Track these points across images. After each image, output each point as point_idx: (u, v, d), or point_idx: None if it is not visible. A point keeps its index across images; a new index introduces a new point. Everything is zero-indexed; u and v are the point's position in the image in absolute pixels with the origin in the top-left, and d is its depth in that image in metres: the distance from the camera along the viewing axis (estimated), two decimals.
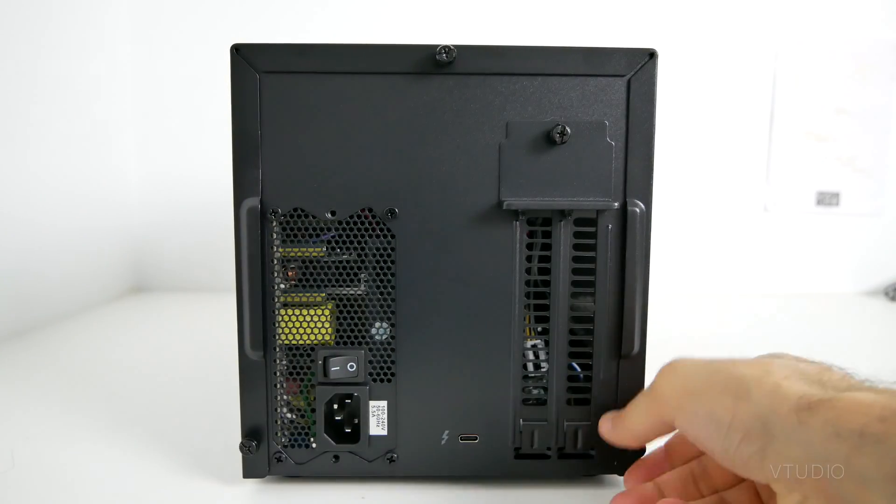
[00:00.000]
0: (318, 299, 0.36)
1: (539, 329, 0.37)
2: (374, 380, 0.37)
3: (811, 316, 0.94)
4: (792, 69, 1.07)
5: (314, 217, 0.36)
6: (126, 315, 0.89)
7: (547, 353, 0.37)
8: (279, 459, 0.37)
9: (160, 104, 1.03)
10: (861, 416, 0.22)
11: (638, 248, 0.36)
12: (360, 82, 0.35)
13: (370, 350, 0.36)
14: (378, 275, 0.36)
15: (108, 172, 0.98)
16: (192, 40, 1.01)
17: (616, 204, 0.35)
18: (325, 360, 0.36)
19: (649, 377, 0.37)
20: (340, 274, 0.36)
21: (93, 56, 0.93)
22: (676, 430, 0.32)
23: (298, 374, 0.37)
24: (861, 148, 1.09)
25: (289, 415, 0.37)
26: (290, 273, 0.36)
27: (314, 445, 0.37)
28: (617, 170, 0.35)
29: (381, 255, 0.36)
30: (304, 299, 0.36)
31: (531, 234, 0.36)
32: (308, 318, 0.36)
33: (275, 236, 0.35)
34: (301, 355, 0.37)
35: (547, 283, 0.36)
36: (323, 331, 0.36)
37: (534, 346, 0.37)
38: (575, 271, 0.36)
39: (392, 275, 0.36)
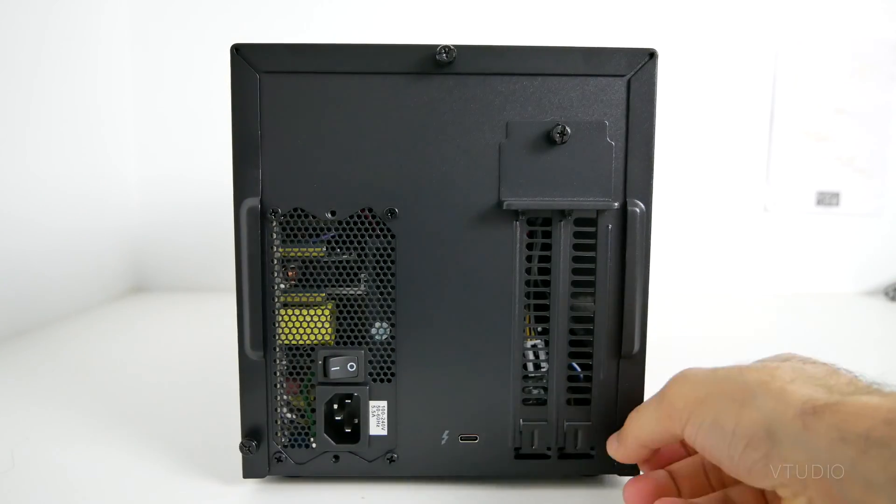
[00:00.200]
0: (318, 299, 0.36)
1: (539, 329, 0.37)
2: (374, 380, 0.37)
3: (811, 316, 0.94)
4: (792, 69, 1.07)
5: (314, 217, 0.36)
6: (126, 315, 0.89)
7: (547, 353, 0.37)
8: (279, 459, 0.37)
9: (160, 104, 1.03)
10: (867, 419, 0.22)
11: (638, 248, 0.36)
12: (360, 82, 0.35)
13: (370, 350, 0.36)
14: (378, 275, 0.36)
15: (108, 172, 0.98)
16: (193, 40, 1.01)
17: (616, 204, 0.35)
18: (325, 360, 0.36)
19: (649, 377, 0.37)
20: (340, 274, 0.36)
21: (93, 56, 0.93)
22: None
23: (298, 374, 0.37)
24: (861, 148, 1.09)
25: (289, 415, 0.37)
26: (290, 273, 0.36)
27: (314, 445, 0.37)
28: (617, 170, 0.35)
29: (381, 255, 0.36)
30: (304, 299, 0.36)
31: (531, 234, 0.36)
32: (308, 318, 0.36)
33: (275, 236, 0.35)
34: (301, 355, 0.37)
35: (547, 283, 0.36)
36: (323, 331, 0.36)
37: (534, 346, 0.37)
38: (575, 271, 0.36)
39: (392, 275, 0.36)
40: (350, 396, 0.37)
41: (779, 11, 1.06)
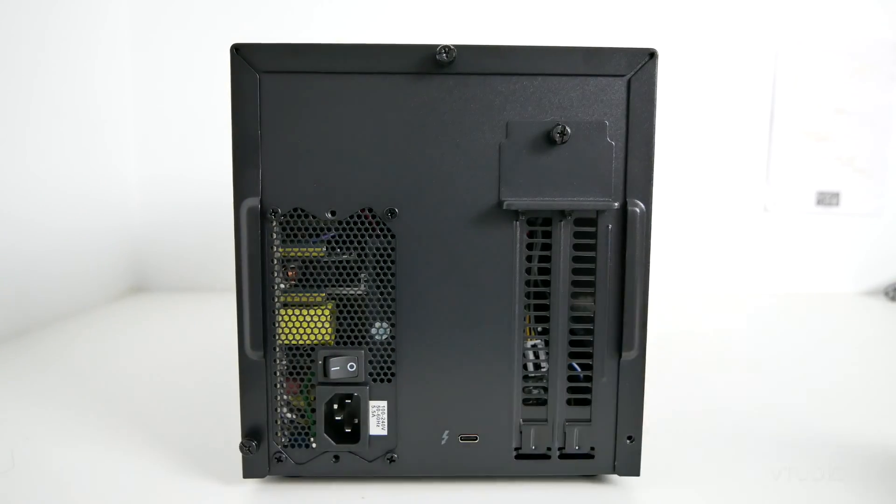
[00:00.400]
0: (318, 299, 0.36)
1: (539, 329, 0.37)
2: (374, 380, 0.37)
3: (811, 316, 0.94)
4: (792, 69, 1.07)
5: (314, 217, 0.36)
6: (126, 315, 0.89)
7: (547, 353, 0.37)
8: (279, 459, 0.37)
9: (160, 104, 1.03)
10: None
11: (638, 248, 0.36)
12: (360, 82, 0.35)
13: (370, 350, 0.36)
14: (378, 275, 0.36)
15: (108, 172, 0.98)
16: (193, 40, 1.01)
17: (616, 204, 0.35)
18: (325, 360, 0.36)
19: (649, 377, 0.37)
20: (340, 274, 0.36)
21: (93, 56, 0.93)
22: None
23: (298, 374, 0.37)
24: (861, 148, 1.09)
25: (289, 415, 0.37)
26: (290, 273, 0.36)
27: (314, 445, 0.37)
28: (617, 170, 0.35)
29: (381, 255, 0.36)
30: (304, 299, 0.36)
31: (531, 234, 0.36)
32: (308, 318, 0.36)
33: (275, 236, 0.35)
34: (301, 355, 0.37)
35: (547, 283, 0.36)
36: (323, 331, 0.36)
37: (534, 346, 0.37)
38: (575, 271, 0.36)
39: (392, 275, 0.36)
40: (350, 396, 0.37)
41: (778, 11, 1.06)
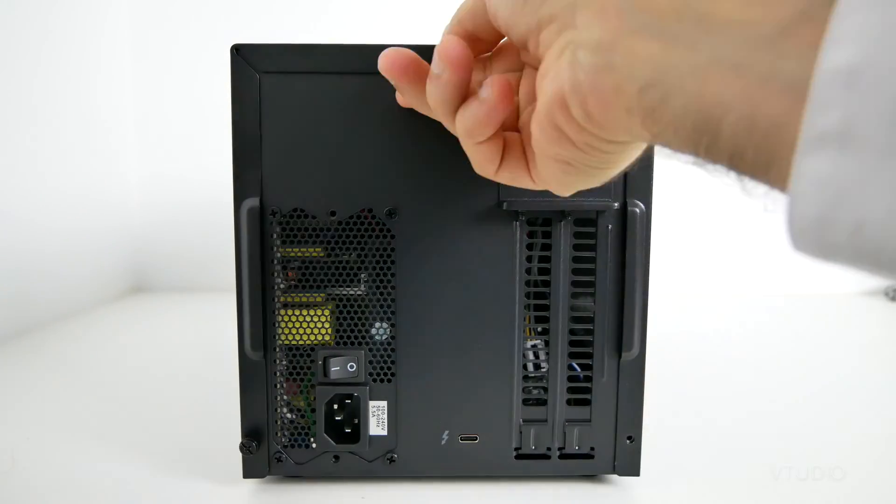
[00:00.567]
0: (318, 299, 0.36)
1: (539, 329, 0.37)
2: (374, 380, 0.37)
3: (811, 316, 0.94)
4: None
5: (314, 217, 0.36)
6: (126, 315, 0.89)
7: (547, 353, 0.37)
8: (279, 459, 0.37)
9: (160, 104, 1.03)
10: None
11: (638, 248, 0.35)
12: (360, 82, 0.35)
13: (370, 350, 0.36)
14: (378, 275, 0.36)
15: (109, 172, 0.98)
16: (193, 41, 1.01)
17: (616, 204, 0.35)
18: (325, 360, 0.36)
19: (649, 377, 0.37)
20: (340, 274, 0.36)
21: (94, 57, 0.93)
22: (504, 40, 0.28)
23: (298, 374, 0.37)
24: None
25: (289, 415, 0.37)
26: (290, 273, 0.36)
27: (314, 445, 0.37)
28: None
29: (381, 255, 0.36)
30: (303, 299, 0.36)
31: (531, 235, 0.36)
32: (308, 319, 0.36)
33: (275, 236, 0.35)
34: (301, 355, 0.37)
35: (547, 284, 0.36)
36: (323, 331, 0.36)
37: (534, 346, 0.37)
38: (575, 271, 0.36)
39: (392, 275, 0.36)
40: (350, 396, 0.37)
41: None
